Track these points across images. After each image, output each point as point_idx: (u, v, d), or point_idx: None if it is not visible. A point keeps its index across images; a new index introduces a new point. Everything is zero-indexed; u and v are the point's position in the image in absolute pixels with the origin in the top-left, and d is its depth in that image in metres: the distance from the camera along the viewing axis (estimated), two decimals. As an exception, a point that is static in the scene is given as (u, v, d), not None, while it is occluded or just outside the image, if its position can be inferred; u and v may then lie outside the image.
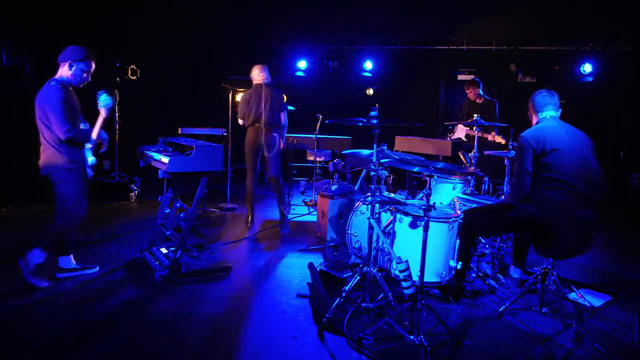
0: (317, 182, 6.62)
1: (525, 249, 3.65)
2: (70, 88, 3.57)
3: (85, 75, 3.59)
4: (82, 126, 3.59)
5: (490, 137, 6.41)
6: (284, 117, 5.56)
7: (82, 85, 3.63)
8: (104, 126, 3.64)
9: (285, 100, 9.60)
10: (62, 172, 3.49)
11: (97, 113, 3.60)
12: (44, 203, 6.18)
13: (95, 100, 3.59)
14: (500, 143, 6.40)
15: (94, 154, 3.70)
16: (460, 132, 6.94)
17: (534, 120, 3.39)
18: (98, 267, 3.91)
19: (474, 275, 3.94)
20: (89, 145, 3.60)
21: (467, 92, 7.02)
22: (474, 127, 5.53)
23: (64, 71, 3.53)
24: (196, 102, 8.98)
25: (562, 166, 3.01)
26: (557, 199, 3.00)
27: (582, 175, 3.02)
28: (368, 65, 9.10)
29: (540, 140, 3.06)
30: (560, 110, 3.34)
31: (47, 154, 3.50)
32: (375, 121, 3.20)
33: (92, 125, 3.64)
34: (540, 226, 3.04)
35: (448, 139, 6.85)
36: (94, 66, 3.62)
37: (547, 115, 3.29)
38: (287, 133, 6.66)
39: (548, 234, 3.02)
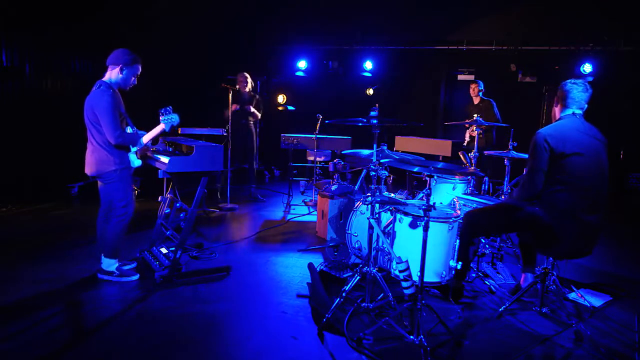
0: (317, 182, 6.61)
1: (533, 251, 3.60)
2: (117, 90, 3.64)
3: (134, 79, 3.69)
4: (129, 129, 3.66)
5: (471, 133, 6.43)
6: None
7: (129, 89, 3.71)
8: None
9: (284, 100, 9.66)
10: (112, 173, 3.58)
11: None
12: (44, 203, 6.19)
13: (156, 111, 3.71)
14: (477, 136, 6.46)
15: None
16: (467, 137, 6.99)
17: (558, 114, 3.19)
18: (138, 275, 3.84)
19: (474, 275, 3.94)
20: (134, 149, 3.67)
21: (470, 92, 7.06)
22: (474, 128, 5.54)
23: (114, 74, 3.59)
24: (196, 102, 8.98)
25: (578, 170, 2.91)
26: (567, 201, 2.92)
27: (596, 180, 2.95)
28: (368, 65, 9.10)
29: (560, 140, 2.92)
30: (586, 106, 3.15)
31: (99, 156, 3.56)
32: (375, 121, 3.20)
33: (139, 128, 3.72)
34: (544, 227, 2.99)
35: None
36: (140, 69, 3.71)
37: (571, 112, 3.11)
38: (287, 133, 6.71)
39: (552, 235, 2.98)
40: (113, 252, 3.71)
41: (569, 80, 3.16)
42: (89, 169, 3.64)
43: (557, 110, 3.21)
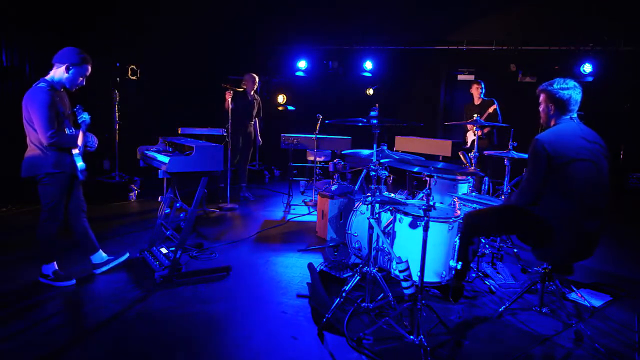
0: (317, 182, 6.61)
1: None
2: (62, 90, 3.50)
3: (81, 79, 3.52)
4: (67, 131, 3.47)
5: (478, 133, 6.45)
6: None
7: (75, 89, 3.55)
8: (93, 131, 3.57)
9: (284, 100, 9.66)
10: (45, 177, 3.41)
11: (88, 113, 3.50)
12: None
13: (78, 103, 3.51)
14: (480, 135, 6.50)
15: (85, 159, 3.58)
16: (470, 138, 6.98)
17: (553, 120, 3.08)
18: (128, 253, 3.99)
19: (474, 275, 3.94)
20: (76, 151, 3.46)
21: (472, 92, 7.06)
22: (474, 128, 5.54)
23: (58, 73, 3.43)
24: (196, 102, 8.99)
25: (578, 177, 2.84)
26: (567, 208, 2.87)
27: (596, 187, 2.90)
28: (368, 65, 9.10)
29: (559, 147, 2.85)
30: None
31: (32, 156, 3.40)
32: (375, 121, 3.20)
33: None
34: (543, 231, 2.95)
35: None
36: (90, 70, 3.54)
37: (569, 116, 3.01)
38: (287, 133, 6.71)
39: (550, 239, 2.94)
40: (46, 257, 3.56)
41: (559, 86, 3.02)
42: (23, 171, 3.45)
43: (553, 117, 3.08)
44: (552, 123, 3.09)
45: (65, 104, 3.52)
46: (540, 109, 3.16)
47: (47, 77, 3.44)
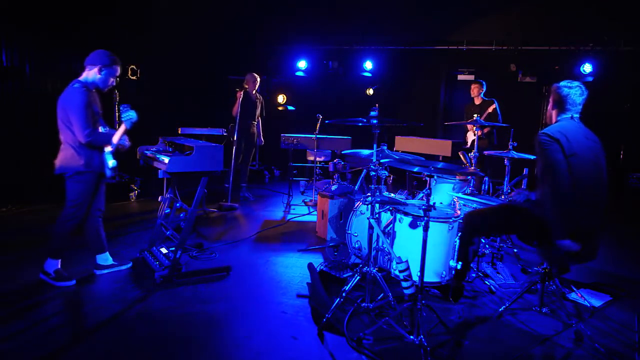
0: (317, 182, 6.62)
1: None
2: (94, 91, 3.61)
3: (112, 80, 3.64)
4: (102, 129, 3.60)
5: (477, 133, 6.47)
6: None
7: (107, 90, 3.68)
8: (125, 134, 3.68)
9: (284, 100, 9.65)
10: (76, 174, 3.52)
11: (113, 113, 3.62)
12: (44, 203, 6.19)
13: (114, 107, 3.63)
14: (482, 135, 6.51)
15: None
16: (470, 138, 6.98)
17: (554, 117, 3.09)
18: (131, 263, 4.02)
19: (474, 275, 3.94)
20: (109, 149, 3.60)
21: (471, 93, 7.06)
22: (474, 128, 5.53)
23: (91, 74, 3.55)
24: (196, 102, 8.99)
25: (578, 172, 2.82)
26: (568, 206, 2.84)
27: (596, 184, 2.89)
28: (368, 65, 9.10)
29: (564, 138, 2.82)
30: (581, 108, 3.05)
31: (65, 154, 3.52)
32: (375, 121, 3.20)
33: (112, 128, 3.68)
34: (543, 230, 2.94)
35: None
36: (119, 71, 3.69)
37: (569, 115, 3.02)
38: (287, 133, 6.72)
39: (550, 239, 2.92)
40: (55, 253, 3.61)
41: (564, 84, 3.05)
42: (56, 167, 3.57)
43: (554, 114, 3.12)
44: (554, 120, 3.10)
45: (98, 104, 3.63)
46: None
47: (81, 79, 3.56)
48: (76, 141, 3.46)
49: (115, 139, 3.58)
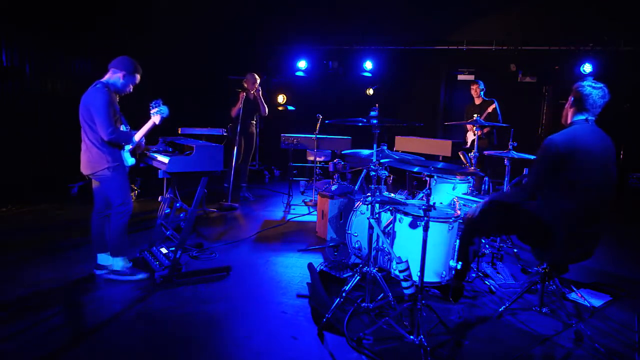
0: (317, 182, 6.62)
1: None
2: (113, 92, 3.69)
3: (131, 87, 3.78)
4: (122, 128, 3.70)
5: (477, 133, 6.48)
6: None
7: (123, 94, 3.79)
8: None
9: (284, 100, 9.66)
10: (106, 171, 3.60)
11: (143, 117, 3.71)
12: (44, 203, 6.19)
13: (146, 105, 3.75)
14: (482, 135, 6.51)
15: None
16: (470, 138, 6.98)
17: (570, 117, 3.02)
18: (131, 263, 3.99)
19: (474, 275, 3.94)
20: (128, 147, 3.70)
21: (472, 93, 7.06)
22: (474, 128, 5.53)
23: (114, 77, 3.65)
24: (196, 102, 8.98)
25: (585, 180, 2.81)
26: (570, 210, 2.85)
27: (602, 190, 2.87)
28: (368, 65, 9.10)
29: (570, 149, 2.79)
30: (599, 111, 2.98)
31: (91, 154, 3.60)
32: (375, 121, 3.20)
33: (132, 127, 3.77)
34: (543, 232, 2.95)
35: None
36: (139, 80, 3.82)
37: (585, 117, 2.95)
38: (287, 133, 6.72)
39: (550, 240, 2.94)
40: (118, 251, 3.73)
41: (588, 82, 2.96)
42: (84, 169, 3.69)
43: (570, 112, 3.05)
44: (569, 120, 3.04)
45: (117, 103, 3.73)
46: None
47: (103, 80, 3.66)
48: (99, 139, 3.57)
49: (138, 135, 3.68)
